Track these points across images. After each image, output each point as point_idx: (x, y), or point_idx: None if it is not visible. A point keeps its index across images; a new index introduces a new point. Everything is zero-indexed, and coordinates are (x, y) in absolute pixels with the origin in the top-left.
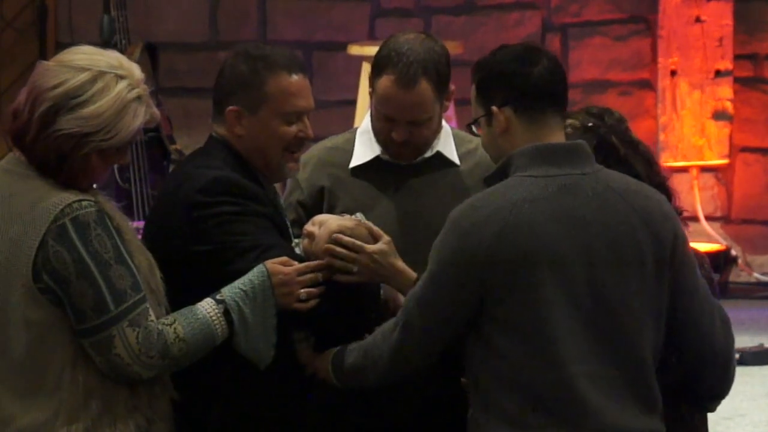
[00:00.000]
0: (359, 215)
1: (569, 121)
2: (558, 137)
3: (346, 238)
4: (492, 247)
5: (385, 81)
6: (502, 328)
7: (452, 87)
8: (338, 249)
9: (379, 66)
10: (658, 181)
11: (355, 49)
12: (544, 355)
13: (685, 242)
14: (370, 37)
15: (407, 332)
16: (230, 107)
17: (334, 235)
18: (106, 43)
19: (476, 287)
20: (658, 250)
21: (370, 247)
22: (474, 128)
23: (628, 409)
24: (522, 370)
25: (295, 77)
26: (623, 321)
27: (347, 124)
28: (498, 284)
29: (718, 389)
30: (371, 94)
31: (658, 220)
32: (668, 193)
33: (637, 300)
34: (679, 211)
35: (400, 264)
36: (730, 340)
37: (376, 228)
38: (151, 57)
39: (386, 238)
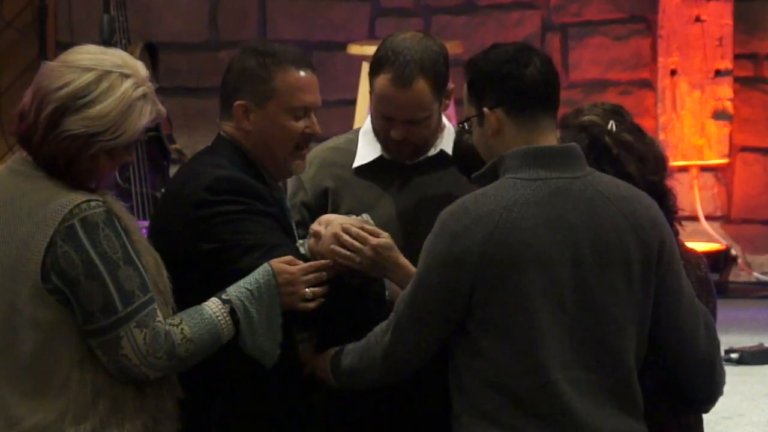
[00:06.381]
0: (365, 216)
1: (587, 117)
2: (550, 139)
3: (354, 229)
4: (481, 249)
5: (381, 80)
6: (488, 330)
7: (451, 86)
8: (344, 236)
9: (376, 65)
10: (653, 180)
11: (355, 49)
12: (527, 358)
13: (673, 248)
14: (370, 37)
15: (398, 334)
16: (238, 102)
17: (343, 225)
18: (105, 43)
19: (465, 289)
20: (645, 256)
21: (374, 240)
22: (466, 126)
23: (609, 413)
24: (505, 372)
25: (302, 73)
26: (607, 326)
27: (347, 124)
28: (486, 286)
29: (703, 394)
30: (370, 93)
31: (645, 226)
32: (664, 192)
33: (623, 305)
34: (675, 210)
35: (402, 259)
36: (715, 347)
37: (378, 230)
38: (151, 57)
39: (385, 234)
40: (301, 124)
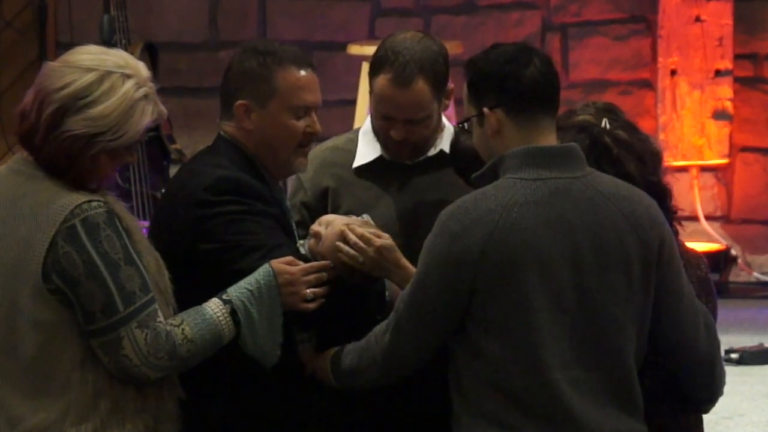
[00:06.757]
0: (366, 216)
1: (580, 117)
2: (550, 139)
3: (359, 229)
4: (481, 249)
5: (381, 80)
6: (487, 331)
7: (451, 86)
8: (351, 236)
9: (376, 65)
10: (653, 180)
11: (355, 49)
12: (527, 359)
13: (672, 247)
14: (370, 37)
15: (398, 334)
16: (239, 101)
17: (349, 225)
18: (106, 43)
19: (465, 289)
20: (645, 256)
21: (379, 241)
22: (466, 126)
23: (609, 413)
24: (505, 372)
25: (303, 72)
26: (607, 326)
27: (347, 124)
28: (485, 286)
29: (703, 394)
30: (370, 93)
31: (645, 226)
32: (664, 192)
33: (623, 305)
34: (675, 210)
35: (403, 260)
36: (715, 347)
37: (378, 231)
38: (151, 57)
39: (386, 235)
40: (302, 123)
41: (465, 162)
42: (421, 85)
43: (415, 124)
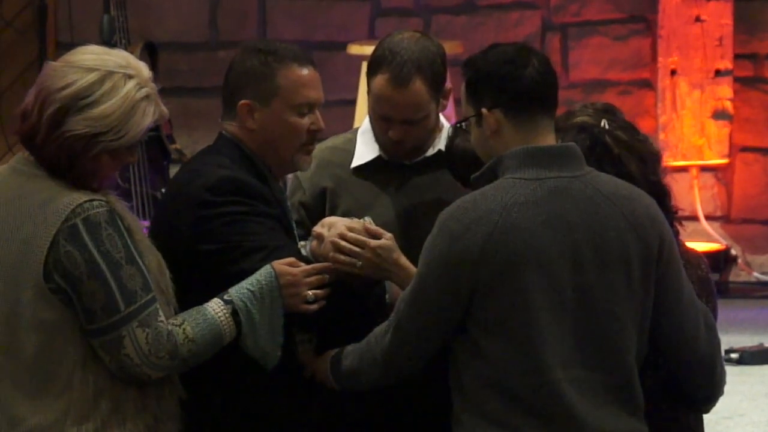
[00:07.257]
0: (368, 219)
1: (579, 118)
2: (548, 139)
3: (351, 234)
4: (481, 249)
5: (379, 80)
6: (488, 331)
7: (449, 86)
8: (342, 243)
9: (373, 65)
10: (654, 180)
11: (355, 49)
12: (528, 359)
13: (672, 246)
14: (370, 37)
15: (398, 334)
16: (242, 101)
17: (340, 231)
18: (105, 43)
19: (465, 289)
20: (645, 255)
21: (373, 242)
22: (464, 126)
23: (610, 412)
24: (506, 372)
25: (305, 70)
26: (608, 325)
27: (347, 124)
28: (485, 287)
29: (704, 393)
30: (368, 93)
31: (645, 225)
32: (664, 192)
33: (623, 304)
34: (675, 210)
35: (403, 260)
36: (715, 345)
37: (380, 229)
38: (150, 57)
39: (389, 234)
40: (306, 120)
41: (459, 165)
42: (419, 85)
43: (412, 124)
